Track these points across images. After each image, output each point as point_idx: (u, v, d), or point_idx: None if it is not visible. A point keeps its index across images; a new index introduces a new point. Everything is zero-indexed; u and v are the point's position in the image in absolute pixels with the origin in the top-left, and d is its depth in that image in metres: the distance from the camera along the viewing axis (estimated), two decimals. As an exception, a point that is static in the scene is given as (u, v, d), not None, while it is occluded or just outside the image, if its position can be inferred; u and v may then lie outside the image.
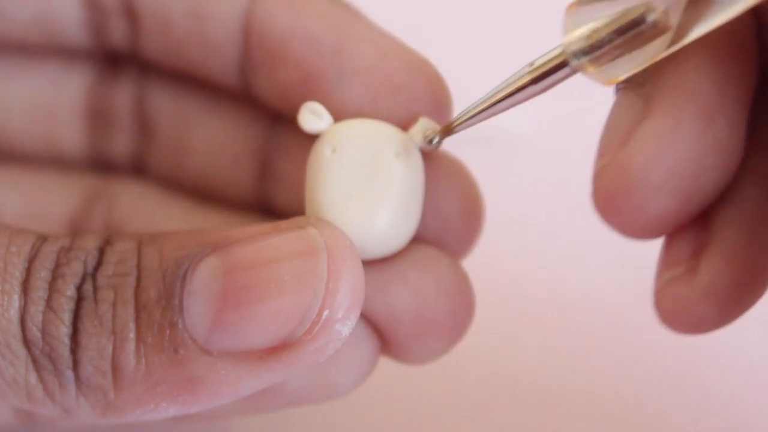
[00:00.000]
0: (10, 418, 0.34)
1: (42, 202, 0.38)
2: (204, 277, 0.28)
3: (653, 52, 0.27)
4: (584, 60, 0.28)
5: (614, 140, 0.28)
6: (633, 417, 0.42)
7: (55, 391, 0.29)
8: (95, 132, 0.38)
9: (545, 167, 0.50)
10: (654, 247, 0.48)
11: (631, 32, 0.27)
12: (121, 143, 0.38)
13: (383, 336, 0.33)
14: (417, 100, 0.32)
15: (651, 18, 0.27)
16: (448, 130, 0.31)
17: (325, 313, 0.28)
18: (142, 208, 0.38)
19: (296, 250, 0.28)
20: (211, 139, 0.37)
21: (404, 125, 0.32)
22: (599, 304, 0.45)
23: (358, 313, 0.29)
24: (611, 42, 0.28)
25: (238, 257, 0.28)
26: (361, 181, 0.31)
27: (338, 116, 0.32)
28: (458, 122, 0.31)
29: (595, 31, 0.28)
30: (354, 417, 0.40)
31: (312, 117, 0.31)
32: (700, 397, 0.42)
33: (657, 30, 0.27)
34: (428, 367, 0.41)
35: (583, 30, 0.28)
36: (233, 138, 0.37)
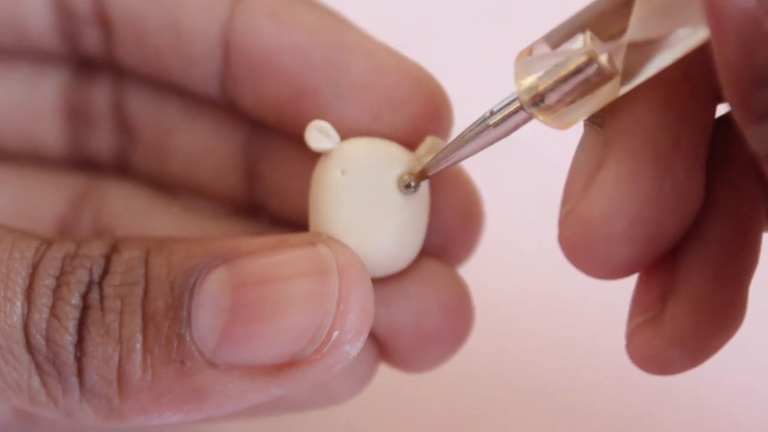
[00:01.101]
0: (10, 418, 0.34)
1: (30, 202, 0.37)
2: (213, 290, 0.28)
3: (605, 95, 0.27)
4: (535, 109, 0.28)
5: (576, 186, 0.28)
6: (633, 420, 0.42)
7: (59, 396, 0.29)
8: (75, 131, 0.38)
9: (544, 169, 0.50)
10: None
11: (576, 80, 0.27)
12: (102, 142, 0.38)
13: (384, 347, 0.33)
14: (419, 114, 0.32)
15: (594, 65, 0.27)
16: (422, 176, 0.31)
17: (335, 334, 0.28)
18: (132, 209, 0.37)
19: (308, 269, 0.28)
20: (194, 142, 0.36)
21: (406, 139, 0.32)
22: (599, 306, 0.45)
23: (366, 334, 0.29)
24: (559, 90, 0.27)
25: (248, 271, 0.28)
26: (370, 204, 0.31)
27: (338, 130, 0.31)
28: (431, 166, 0.31)
29: (542, 80, 0.28)
30: (353, 418, 0.40)
31: (319, 135, 0.31)
32: (700, 399, 0.42)
33: (603, 76, 0.27)
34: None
35: (531, 79, 0.28)
36: (217, 141, 0.36)
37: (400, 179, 0.31)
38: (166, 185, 0.37)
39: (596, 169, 0.28)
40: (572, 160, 0.29)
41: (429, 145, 0.31)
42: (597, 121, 0.28)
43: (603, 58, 0.27)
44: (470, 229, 0.34)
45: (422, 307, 0.32)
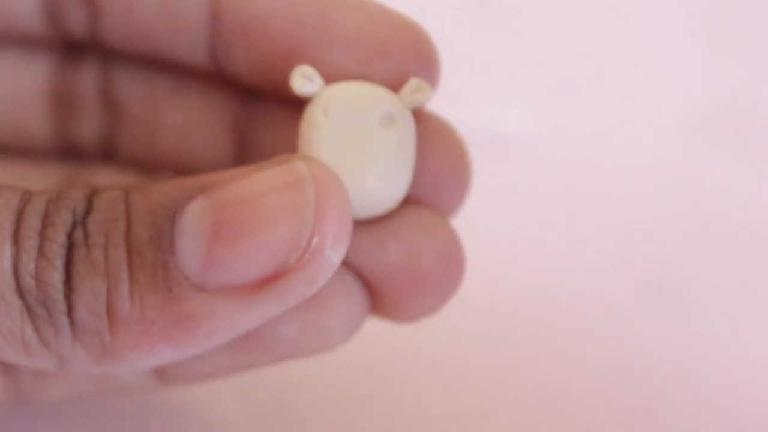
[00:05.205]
0: (1, 396, 0.34)
1: None
2: (193, 217, 0.28)
3: None
4: None
5: None
6: (632, 418, 0.42)
7: (51, 340, 0.29)
8: (61, 118, 0.38)
9: (544, 168, 0.51)
10: (651, 250, 0.48)
11: None
12: (88, 128, 0.38)
13: (376, 291, 0.33)
14: (409, 61, 0.33)
15: None
16: None
17: (315, 239, 0.28)
18: None
19: (284, 182, 0.29)
20: (183, 118, 0.37)
21: (395, 86, 0.33)
22: (596, 304, 0.45)
23: (347, 241, 0.29)
24: None
25: (227, 194, 0.29)
26: (353, 143, 0.31)
27: (330, 81, 0.32)
28: None
29: None
30: (352, 418, 0.40)
31: (303, 80, 0.32)
32: (699, 397, 0.42)
33: None
34: (426, 367, 0.41)
35: None
36: (206, 115, 0.37)
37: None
38: (152, 167, 0.38)
39: None
40: None
41: (413, 86, 0.32)
42: None
43: None
44: (459, 178, 0.34)
45: (415, 249, 0.33)
